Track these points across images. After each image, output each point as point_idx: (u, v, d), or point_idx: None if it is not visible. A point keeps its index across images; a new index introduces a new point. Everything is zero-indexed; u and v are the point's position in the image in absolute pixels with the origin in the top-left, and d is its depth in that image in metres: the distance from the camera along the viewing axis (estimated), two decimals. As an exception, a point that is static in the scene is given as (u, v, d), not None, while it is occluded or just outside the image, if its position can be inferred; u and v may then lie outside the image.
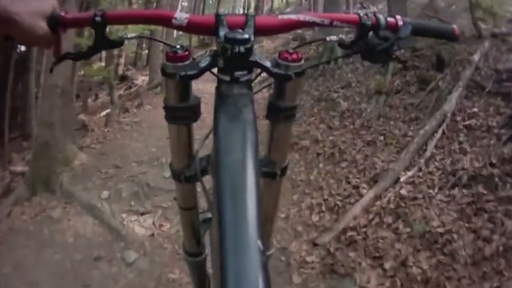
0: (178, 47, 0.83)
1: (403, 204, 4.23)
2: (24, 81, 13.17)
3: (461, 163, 4.40)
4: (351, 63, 8.59)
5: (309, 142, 6.23)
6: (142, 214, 5.20)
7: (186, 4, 36.13)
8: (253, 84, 0.87)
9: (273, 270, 3.97)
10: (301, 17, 0.90)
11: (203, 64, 0.83)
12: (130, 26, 6.75)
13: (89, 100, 15.67)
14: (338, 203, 4.76)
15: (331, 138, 6.16)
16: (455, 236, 3.62)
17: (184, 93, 0.88)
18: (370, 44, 0.87)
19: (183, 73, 0.82)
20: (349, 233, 4.20)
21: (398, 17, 0.91)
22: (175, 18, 0.87)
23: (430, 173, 4.58)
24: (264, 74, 0.92)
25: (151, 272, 4.33)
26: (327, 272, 3.93)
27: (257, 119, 0.79)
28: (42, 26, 0.78)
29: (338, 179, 5.20)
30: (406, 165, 4.82)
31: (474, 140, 4.78)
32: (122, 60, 20.47)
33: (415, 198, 4.26)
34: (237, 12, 35.18)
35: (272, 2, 36.75)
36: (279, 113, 0.92)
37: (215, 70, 0.84)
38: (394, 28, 0.89)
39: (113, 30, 6.13)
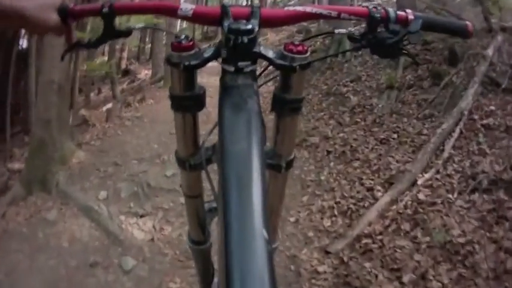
0: (183, 37, 0.84)
1: (421, 210, 3.90)
2: (26, 77, 12.86)
3: (481, 166, 4.09)
4: (360, 56, 8.15)
5: (318, 139, 5.84)
6: (141, 216, 4.83)
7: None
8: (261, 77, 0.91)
9: (282, 281, 3.66)
10: (308, 8, 0.90)
11: (207, 54, 0.84)
12: (132, 17, 6.44)
13: (92, 94, 15.41)
14: (351, 206, 4.39)
15: (341, 135, 5.77)
16: (476, 246, 3.31)
17: (189, 82, 0.88)
18: (380, 37, 0.86)
19: (187, 62, 0.82)
20: (364, 241, 3.86)
21: (408, 10, 0.89)
22: (181, 9, 0.88)
23: (449, 175, 4.24)
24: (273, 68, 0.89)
25: (150, 280, 3.98)
26: (340, 284, 3.56)
27: (264, 112, 0.81)
28: (53, 17, 0.81)
29: (350, 179, 4.82)
30: (423, 166, 4.45)
31: (493, 140, 4.45)
32: (125, 54, 20.30)
33: (433, 204, 3.92)
34: (241, 4, 35.01)
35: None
36: (284, 105, 0.91)
37: (221, 62, 0.84)
38: (404, 22, 0.87)
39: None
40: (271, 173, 1.02)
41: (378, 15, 0.86)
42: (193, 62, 0.83)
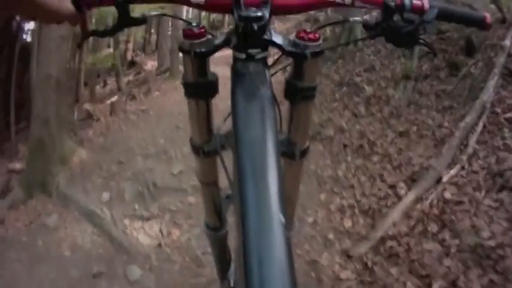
0: (194, 24, 0.85)
1: (448, 210, 3.53)
2: (30, 71, 12.58)
3: (507, 162, 3.72)
4: (372, 45, 7.65)
5: (333, 131, 5.40)
6: (147, 220, 4.42)
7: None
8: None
9: (303, 290, 3.28)
10: None
11: (218, 41, 0.85)
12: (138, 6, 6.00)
13: (98, 87, 15.14)
14: (373, 205, 3.99)
15: (357, 127, 5.32)
16: (507, 250, 2.97)
17: (201, 69, 0.89)
18: (395, 26, 0.85)
19: (198, 50, 0.84)
20: (389, 243, 3.47)
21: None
22: None
23: (475, 172, 3.85)
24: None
25: (158, 292, 3.61)
26: (366, 292, 3.19)
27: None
28: (68, 5, 0.79)
29: (370, 175, 4.41)
30: (447, 162, 4.07)
31: (518, 135, 4.07)
32: (130, 46, 20.06)
33: (460, 203, 3.55)
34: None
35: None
36: (297, 92, 0.91)
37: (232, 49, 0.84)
38: (419, 11, 0.85)
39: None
40: (286, 161, 1.02)
41: (393, 4, 0.84)
42: (204, 49, 0.84)
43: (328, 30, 9.36)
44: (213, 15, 25.34)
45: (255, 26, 0.76)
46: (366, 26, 0.89)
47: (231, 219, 1.12)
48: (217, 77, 0.93)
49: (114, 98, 10.41)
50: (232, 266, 1.54)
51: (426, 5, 0.85)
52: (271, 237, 0.52)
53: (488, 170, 3.79)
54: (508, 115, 4.37)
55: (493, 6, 6.26)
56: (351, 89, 6.47)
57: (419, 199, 3.78)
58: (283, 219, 0.54)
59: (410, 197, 3.82)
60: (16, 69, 11.64)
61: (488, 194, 3.55)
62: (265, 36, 0.80)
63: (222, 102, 1.16)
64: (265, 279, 0.48)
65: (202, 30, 0.84)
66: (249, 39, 0.79)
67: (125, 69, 16.57)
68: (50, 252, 4.22)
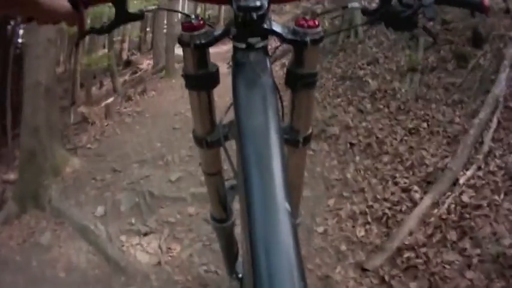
0: (193, 17, 0.83)
1: (467, 215, 3.22)
2: (24, 76, 12.26)
3: None
4: (374, 37, 7.22)
5: (338, 129, 5.02)
6: (145, 235, 4.05)
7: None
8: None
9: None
10: None
11: (218, 32, 0.84)
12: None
13: (94, 88, 14.78)
14: (386, 211, 3.63)
15: (364, 124, 4.94)
16: None
17: (201, 61, 0.88)
18: (393, 11, 0.84)
19: (198, 41, 0.83)
20: (406, 254, 3.15)
21: None
22: None
23: (492, 173, 3.55)
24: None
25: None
26: (385, 311, 2.87)
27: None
28: (64, 4, 0.78)
29: (382, 178, 4.04)
30: (463, 162, 3.73)
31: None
32: (126, 45, 19.68)
33: (479, 207, 3.25)
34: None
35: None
36: (298, 80, 0.90)
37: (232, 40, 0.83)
38: None
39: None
40: (290, 149, 1.01)
41: None
42: (204, 41, 0.83)
43: (327, 22, 8.97)
44: (209, 11, 25.07)
45: (254, 15, 0.75)
46: (364, 11, 0.88)
47: (237, 210, 1.02)
48: (218, 68, 0.91)
49: (110, 100, 10.05)
50: (240, 259, 1.51)
51: None
52: (278, 225, 0.51)
53: (506, 169, 3.53)
54: (523, 110, 4.08)
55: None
56: (354, 83, 6.08)
57: (435, 204, 3.46)
58: (288, 207, 0.53)
59: (427, 201, 3.49)
60: (12, 73, 11.30)
61: (507, 196, 3.30)
62: (265, 25, 0.78)
63: (220, 99, 1.11)
64: (272, 268, 0.47)
65: (201, 22, 0.83)
66: (248, 28, 0.78)
67: (121, 69, 16.22)
68: (44, 274, 3.91)
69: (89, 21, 10.68)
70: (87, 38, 11.96)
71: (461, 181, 3.56)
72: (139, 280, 3.57)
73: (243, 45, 0.81)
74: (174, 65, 11.05)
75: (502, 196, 3.29)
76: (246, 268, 0.60)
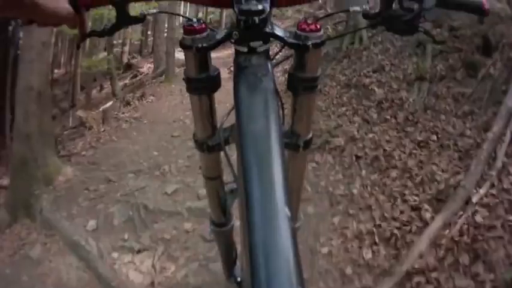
0: (194, 20, 0.82)
1: (480, 237, 2.95)
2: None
3: None
4: (380, 43, 6.94)
5: (343, 140, 4.74)
6: (138, 252, 3.75)
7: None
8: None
9: None
10: None
11: (219, 36, 0.83)
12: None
13: (94, 91, 14.57)
14: (395, 231, 3.34)
15: (370, 135, 4.65)
16: None
17: (203, 64, 0.87)
18: (395, 15, 0.82)
19: (200, 45, 0.82)
20: (416, 279, 2.89)
21: None
22: None
23: (506, 190, 3.27)
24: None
25: None
26: None
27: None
28: (65, 6, 0.76)
29: (390, 194, 3.76)
30: (476, 179, 3.45)
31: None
32: (126, 48, 19.48)
33: (492, 228, 2.99)
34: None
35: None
36: (299, 83, 0.89)
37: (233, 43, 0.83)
38: None
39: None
40: (290, 153, 1.00)
41: None
42: (205, 44, 0.82)
43: (330, 28, 8.71)
44: (210, 15, 24.90)
45: (256, 19, 0.74)
46: (366, 15, 0.85)
47: (236, 214, 0.96)
48: (219, 71, 0.90)
49: (108, 104, 9.82)
50: (239, 263, 1.49)
51: None
52: (277, 230, 0.50)
53: (520, 187, 3.27)
54: (538, 123, 3.81)
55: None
56: (359, 92, 5.80)
57: (447, 224, 3.19)
58: (288, 212, 0.53)
59: (438, 222, 3.21)
60: (12, 75, 11.11)
61: (522, 217, 3.06)
62: (267, 29, 0.77)
63: (219, 105, 1.05)
64: (271, 273, 0.47)
65: (203, 25, 0.81)
66: (250, 32, 0.76)
67: (121, 73, 16.01)
68: (35, 289, 3.63)
69: (90, 23, 10.50)
70: (88, 41, 11.82)
71: (474, 199, 3.28)
72: (131, 303, 3.30)
73: (245, 49, 0.80)
74: (174, 69, 10.84)
75: (516, 216, 3.05)
76: (244, 272, 0.58)
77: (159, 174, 4.99)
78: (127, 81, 14.90)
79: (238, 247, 1.44)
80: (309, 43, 0.79)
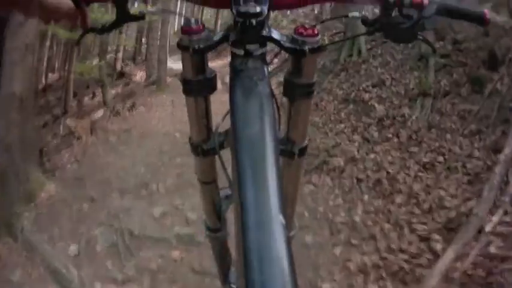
0: (192, 20, 0.80)
1: (495, 269, 2.73)
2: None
3: None
4: (380, 56, 6.66)
5: (342, 161, 4.41)
6: (122, 284, 3.40)
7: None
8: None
9: None
10: None
11: (217, 37, 0.81)
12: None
13: (86, 98, 14.18)
14: (403, 264, 3.05)
15: (372, 156, 4.33)
16: None
17: (200, 66, 0.85)
18: (394, 22, 0.80)
19: (197, 46, 0.79)
20: (427, 320, 2.58)
21: None
22: None
23: None
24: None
25: None
26: None
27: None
28: (67, 1, 0.75)
29: (396, 223, 3.44)
30: (489, 206, 3.20)
31: None
32: (120, 55, 19.05)
33: (507, 259, 2.78)
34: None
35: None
36: (295, 89, 0.86)
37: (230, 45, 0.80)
38: (419, 6, 0.78)
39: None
40: (285, 160, 0.97)
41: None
42: (203, 45, 0.79)
43: (327, 39, 8.40)
44: (206, 17, 24.68)
45: (254, 22, 0.71)
46: (364, 21, 0.83)
47: (231, 220, 0.97)
48: (216, 74, 0.87)
49: (97, 114, 9.44)
50: (233, 269, 1.44)
51: (425, 1, 0.77)
52: (271, 236, 0.49)
53: (534, 214, 3.05)
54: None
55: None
56: (358, 107, 5.49)
57: (459, 256, 2.92)
58: (283, 220, 0.51)
59: (450, 254, 2.94)
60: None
61: (537, 246, 2.83)
62: (264, 32, 0.74)
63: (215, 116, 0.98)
64: (265, 279, 0.46)
65: (201, 26, 0.78)
66: (247, 35, 0.74)
67: (115, 79, 15.61)
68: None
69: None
70: (81, 45, 11.46)
71: (487, 228, 3.05)
72: None
73: (241, 52, 0.76)
74: (166, 78, 10.50)
75: (530, 246, 2.82)
76: (239, 278, 0.57)
77: (145, 194, 4.66)
78: (119, 89, 14.52)
79: (233, 252, 1.32)
80: (306, 48, 0.76)
